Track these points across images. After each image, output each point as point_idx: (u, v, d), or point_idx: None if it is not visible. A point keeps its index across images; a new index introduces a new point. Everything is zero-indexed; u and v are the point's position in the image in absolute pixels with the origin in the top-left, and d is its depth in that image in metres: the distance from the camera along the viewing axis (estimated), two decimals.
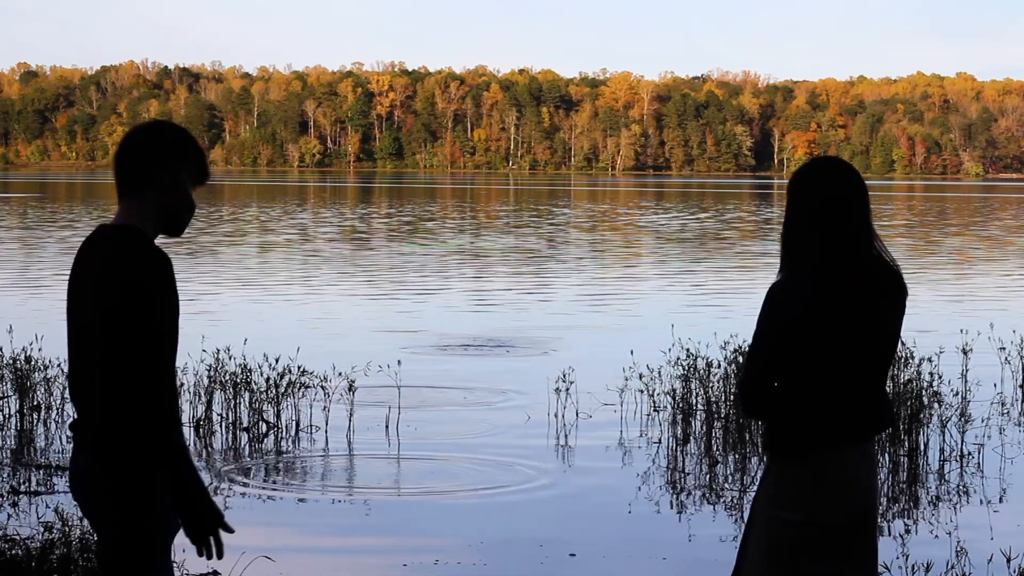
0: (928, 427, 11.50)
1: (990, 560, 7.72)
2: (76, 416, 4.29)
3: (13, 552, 7.58)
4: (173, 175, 4.27)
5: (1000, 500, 9.91)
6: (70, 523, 7.70)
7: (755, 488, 10.06)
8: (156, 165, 4.25)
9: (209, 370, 12.20)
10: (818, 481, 4.31)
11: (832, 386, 4.32)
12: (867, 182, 4.45)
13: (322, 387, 12.40)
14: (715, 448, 11.55)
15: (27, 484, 10.03)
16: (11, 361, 12.32)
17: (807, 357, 4.30)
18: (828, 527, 4.31)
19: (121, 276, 4.08)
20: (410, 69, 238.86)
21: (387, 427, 12.18)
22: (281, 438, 11.85)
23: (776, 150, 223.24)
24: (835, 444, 4.33)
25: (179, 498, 4.21)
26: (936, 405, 11.60)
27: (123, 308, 4.08)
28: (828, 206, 4.37)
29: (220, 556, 4.33)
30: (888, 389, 11.47)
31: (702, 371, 12.16)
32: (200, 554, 4.33)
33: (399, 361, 13.52)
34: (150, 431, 4.14)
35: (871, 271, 4.40)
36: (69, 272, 4.31)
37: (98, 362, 4.13)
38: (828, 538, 4.31)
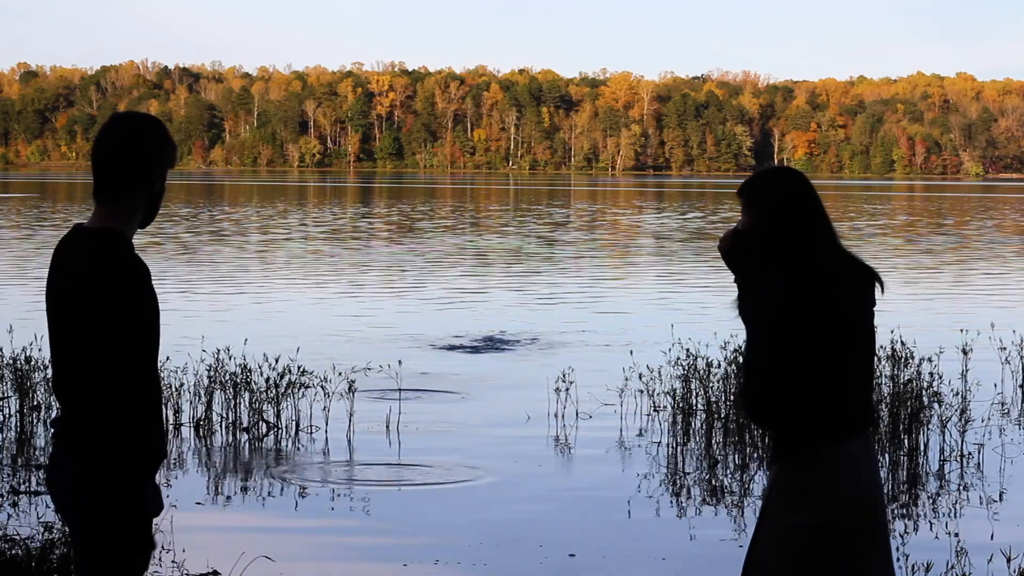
0: (928, 427, 11.50)
1: (990, 560, 7.72)
2: (60, 416, 4.27)
3: (13, 552, 7.58)
4: (159, 172, 4.24)
5: (1000, 500, 9.91)
6: None
7: (756, 488, 10.08)
8: (148, 168, 4.20)
9: (209, 370, 12.19)
10: (824, 480, 4.32)
11: (822, 382, 4.35)
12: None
13: (322, 387, 12.40)
14: (715, 448, 11.55)
15: (27, 484, 10.03)
16: (11, 361, 12.31)
17: (794, 356, 4.33)
18: (839, 526, 4.32)
19: (100, 280, 4.04)
20: (410, 69, 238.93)
21: (387, 427, 12.18)
22: (281, 438, 11.84)
23: (776, 150, 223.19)
24: (834, 441, 4.35)
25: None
26: (936, 405, 11.60)
27: (103, 311, 4.04)
28: (786, 201, 4.48)
29: None
30: (888, 389, 11.51)
31: (702, 371, 12.16)
32: None
33: (400, 361, 13.52)
34: (130, 431, 4.12)
35: (839, 266, 4.47)
36: (48, 272, 4.28)
37: (78, 364, 4.11)
38: (841, 536, 4.32)
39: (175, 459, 10.89)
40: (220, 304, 21.97)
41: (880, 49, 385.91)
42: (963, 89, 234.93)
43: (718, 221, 56.90)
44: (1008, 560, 7.60)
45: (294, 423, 12.10)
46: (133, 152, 4.18)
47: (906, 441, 11.37)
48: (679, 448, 11.58)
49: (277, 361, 12.30)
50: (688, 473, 10.78)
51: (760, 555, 4.42)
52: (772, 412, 4.38)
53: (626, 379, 12.71)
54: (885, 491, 10.21)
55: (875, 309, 4.55)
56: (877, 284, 4.53)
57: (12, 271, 28.18)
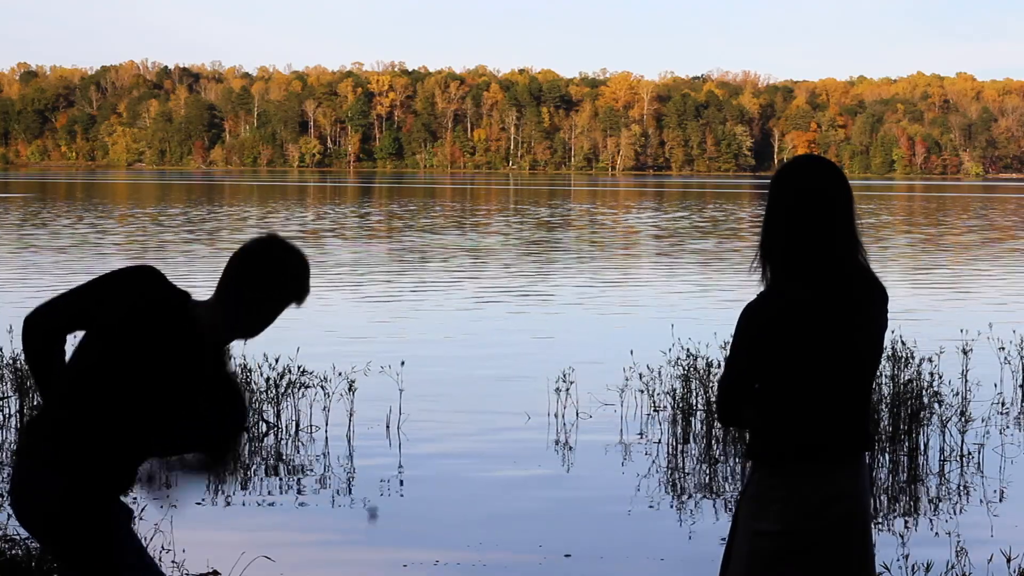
0: (928, 427, 11.51)
1: (990, 560, 7.72)
2: (40, 432, 4.38)
3: (13, 552, 7.58)
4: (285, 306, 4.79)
5: (1000, 500, 9.91)
6: None
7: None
8: (284, 304, 4.72)
9: None
10: (794, 491, 4.23)
11: (810, 399, 4.22)
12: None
13: (322, 387, 12.40)
14: (715, 448, 11.55)
15: None
16: (11, 361, 12.31)
17: (784, 368, 4.20)
18: (804, 535, 4.22)
19: (212, 367, 4.90)
20: (410, 69, 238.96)
21: (387, 427, 12.18)
22: (281, 438, 11.85)
23: (776, 150, 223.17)
24: (811, 457, 4.24)
25: None
26: (936, 405, 11.60)
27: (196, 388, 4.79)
28: (804, 200, 4.18)
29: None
30: (888, 389, 11.50)
31: (702, 371, 12.16)
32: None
33: (402, 362, 13.51)
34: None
35: (851, 280, 4.24)
36: (164, 337, 4.63)
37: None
38: (806, 546, 4.23)
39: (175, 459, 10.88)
40: None
41: (880, 49, 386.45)
42: (963, 89, 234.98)
43: (717, 220, 56.89)
44: (1008, 560, 7.60)
45: (294, 423, 12.10)
46: (280, 287, 4.68)
47: (906, 441, 11.37)
48: (679, 448, 11.58)
49: (277, 361, 12.31)
50: (688, 473, 10.78)
51: (734, 558, 4.37)
52: (736, 417, 4.31)
53: (626, 379, 12.71)
54: (885, 491, 10.20)
55: (886, 330, 4.36)
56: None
57: (12, 271, 28.18)
